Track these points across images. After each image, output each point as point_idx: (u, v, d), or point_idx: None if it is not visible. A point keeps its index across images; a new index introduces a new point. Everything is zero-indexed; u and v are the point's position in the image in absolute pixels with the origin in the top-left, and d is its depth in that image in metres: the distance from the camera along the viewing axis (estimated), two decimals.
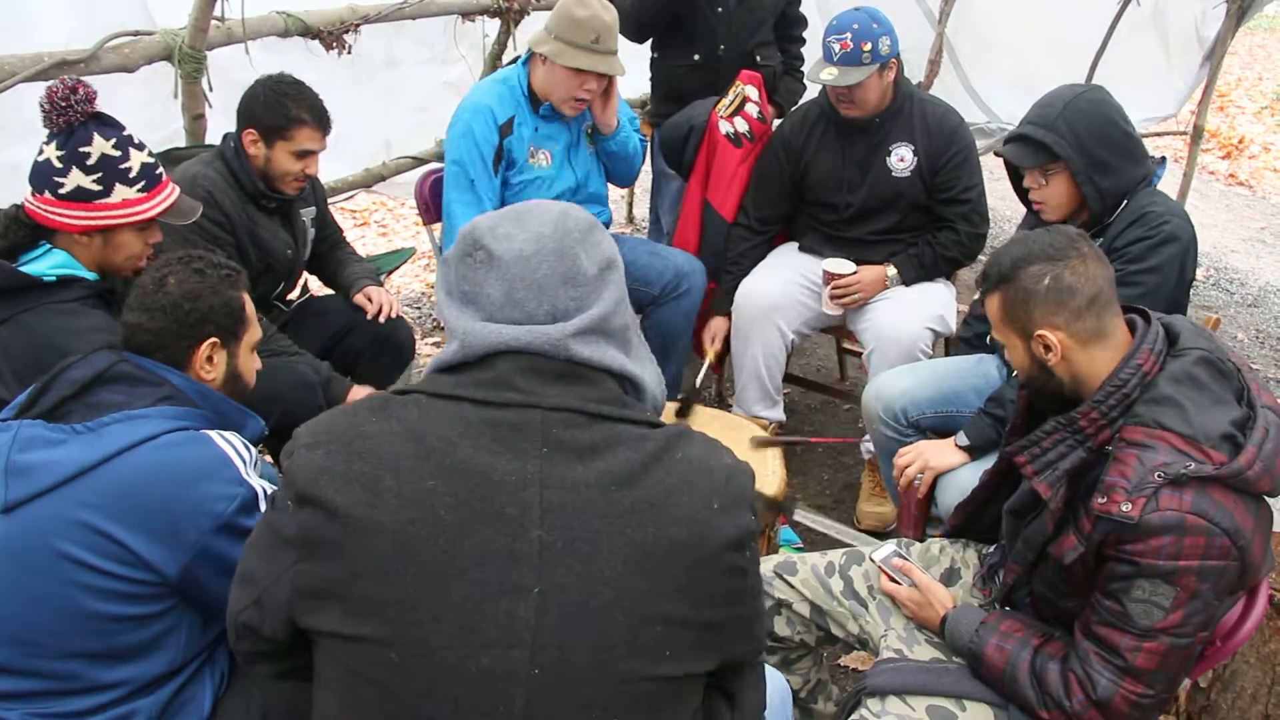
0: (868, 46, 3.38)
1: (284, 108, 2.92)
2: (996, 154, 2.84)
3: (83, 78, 2.31)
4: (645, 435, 1.37)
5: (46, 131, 2.27)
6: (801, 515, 2.77)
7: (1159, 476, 1.73)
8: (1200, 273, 6.36)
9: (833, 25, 3.44)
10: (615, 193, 6.05)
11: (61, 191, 2.25)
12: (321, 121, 2.98)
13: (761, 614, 1.53)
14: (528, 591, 1.29)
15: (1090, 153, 2.60)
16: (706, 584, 1.35)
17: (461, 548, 1.29)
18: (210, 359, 1.99)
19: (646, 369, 1.49)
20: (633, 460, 1.34)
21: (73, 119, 2.24)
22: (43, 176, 2.26)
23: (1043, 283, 1.91)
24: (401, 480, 1.31)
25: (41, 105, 2.24)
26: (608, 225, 3.81)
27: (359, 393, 3.04)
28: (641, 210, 5.83)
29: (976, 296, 3.19)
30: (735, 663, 1.47)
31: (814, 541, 3.38)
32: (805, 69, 4.41)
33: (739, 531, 1.37)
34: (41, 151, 2.27)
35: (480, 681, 1.28)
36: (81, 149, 2.25)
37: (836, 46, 3.40)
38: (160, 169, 2.38)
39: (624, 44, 4.16)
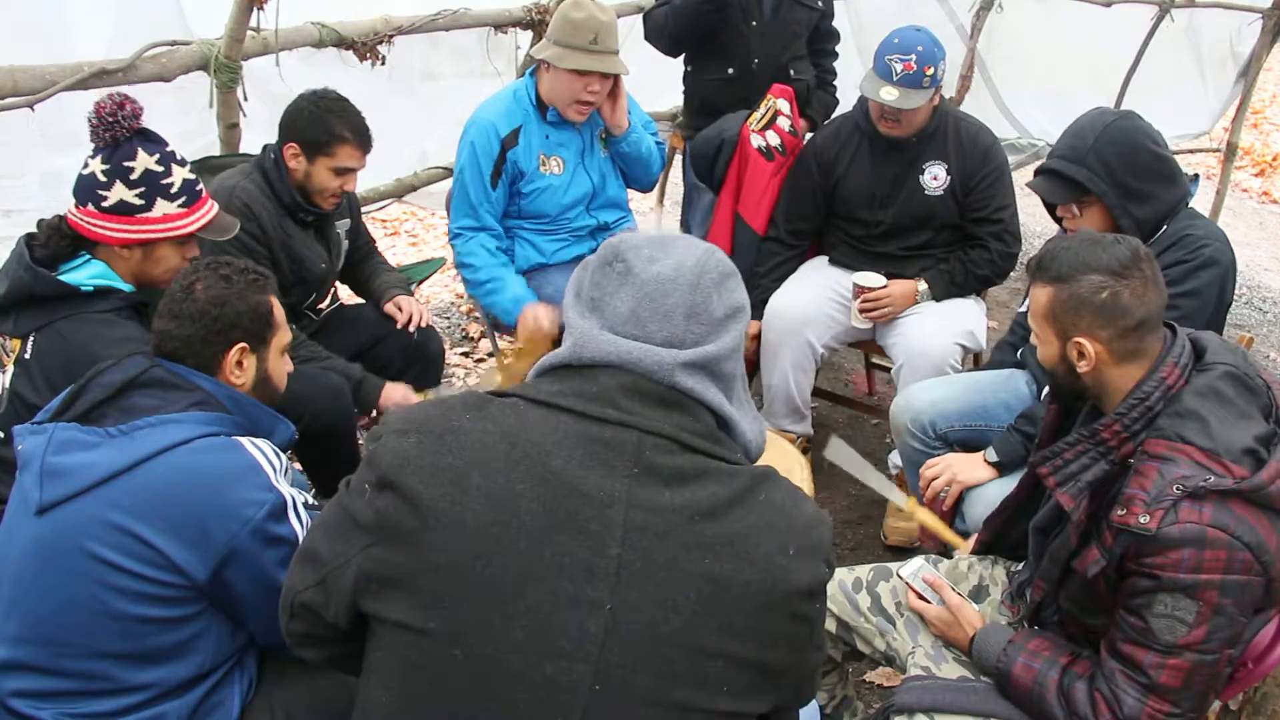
0: (930, 70, 3.34)
1: (328, 124, 2.95)
2: (1028, 186, 2.79)
3: (124, 89, 2.33)
4: (733, 472, 1.38)
5: (92, 145, 2.30)
6: (836, 454, 2.74)
7: (1177, 489, 1.73)
8: None
9: (894, 43, 3.36)
10: (644, 205, 6.05)
11: (105, 204, 2.28)
12: (363, 140, 3.01)
13: (818, 669, 1.54)
14: (600, 607, 1.29)
15: (1123, 184, 2.55)
16: (772, 628, 1.35)
17: (541, 554, 1.30)
18: (240, 364, 2.00)
19: (747, 419, 1.48)
20: (718, 494, 1.35)
21: (118, 134, 2.27)
22: (87, 189, 2.29)
23: (1100, 295, 1.88)
24: (489, 480, 1.32)
25: (89, 120, 2.27)
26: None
27: (393, 391, 3.08)
28: (672, 223, 5.82)
29: (1022, 309, 3.18)
30: (782, 709, 1.47)
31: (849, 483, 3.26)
32: (839, 82, 4.41)
33: (811, 581, 1.37)
34: (86, 165, 2.30)
35: (541, 689, 1.29)
36: (125, 163, 2.28)
37: (899, 66, 3.33)
38: (200, 185, 2.41)
39: (658, 58, 4.18)
